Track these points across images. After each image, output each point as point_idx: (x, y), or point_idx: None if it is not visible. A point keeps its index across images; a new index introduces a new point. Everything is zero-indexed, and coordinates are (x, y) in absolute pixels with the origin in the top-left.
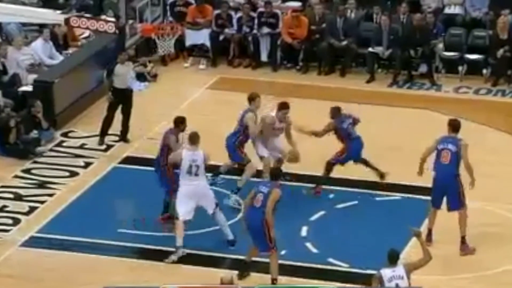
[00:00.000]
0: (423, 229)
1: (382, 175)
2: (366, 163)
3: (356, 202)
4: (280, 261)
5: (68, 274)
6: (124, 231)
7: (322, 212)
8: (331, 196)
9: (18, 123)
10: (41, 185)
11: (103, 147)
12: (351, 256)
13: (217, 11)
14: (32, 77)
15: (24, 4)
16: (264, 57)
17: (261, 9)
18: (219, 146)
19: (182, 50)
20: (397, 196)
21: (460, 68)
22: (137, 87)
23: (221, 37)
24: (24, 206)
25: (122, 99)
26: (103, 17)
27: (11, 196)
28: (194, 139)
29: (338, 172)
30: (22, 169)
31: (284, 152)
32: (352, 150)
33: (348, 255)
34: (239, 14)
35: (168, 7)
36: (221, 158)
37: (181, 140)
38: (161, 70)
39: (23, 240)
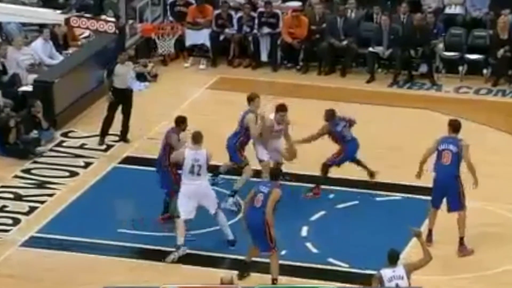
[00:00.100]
0: (423, 229)
1: (372, 174)
2: (358, 162)
3: (356, 202)
4: (280, 261)
5: (68, 274)
6: (124, 231)
7: (322, 212)
8: (331, 196)
9: (18, 123)
10: (41, 185)
11: (103, 147)
12: (351, 256)
13: (217, 11)
14: (32, 77)
15: (24, 4)
16: (264, 57)
17: (261, 9)
18: (219, 146)
19: (182, 50)
20: (397, 196)
21: (460, 68)
22: (137, 87)
23: (221, 37)
24: (24, 206)
25: (122, 99)
26: (103, 17)
27: (11, 196)
28: (197, 138)
29: (338, 172)
30: (22, 169)
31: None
32: (347, 152)
33: (348, 255)
34: (239, 14)
35: (168, 7)
36: (221, 158)
37: (183, 139)
38: (161, 70)
39: (23, 240)
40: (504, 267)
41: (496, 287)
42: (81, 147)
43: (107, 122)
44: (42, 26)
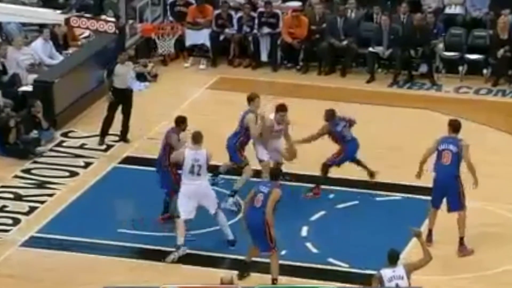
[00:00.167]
0: (424, 229)
1: (372, 174)
2: (358, 162)
3: (356, 202)
4: (280, 261)
5: (68, 274)
6: (124, 231)
7: (322, 212)
8: (332, 196)
9: (18, 123)
10: (41, 185)
11: (103, 147)
12: (351, 256)
13: (217, 11)
14: (32, 77)
15: (24, 4)
16: (264, 57)
17: (261, 9)
18: (219, 146)
19: (182, 50)
20: (398, 196)
21: (460, 68)
22: (137, 87)
23: (221, 37)
24: (24, 206)
25: (122, 99)
26: (103, 17)
27: (11, 196)
28: (197, 138)
29: (338, 172)
30: (22, 169)
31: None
32: (347, 152)
33: (348, 255)
34: (239, 14)
35: (168, 7)
36: (221, 158)
37: (183, 139)
38: (161, 70)
39: (23, 240)
40: (504, 267)
41: (496, 287)
42: (81, 147)
43: (107, 122)
44: (42, 26)
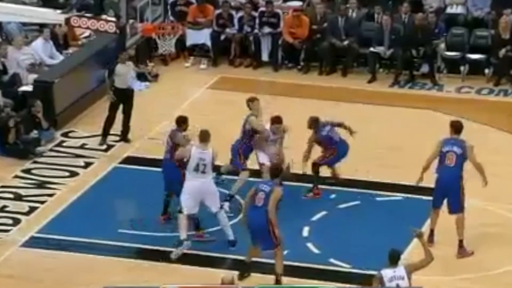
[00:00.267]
0: (425, 229)
1: (336, 176)
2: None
3: (357, 202)
4: None
5: (67, 274)
6: (124, 232)
7: (323, 213)
8: (333, 196)
9: (18, 123)
10: (41, 185)
11: (104, 147)
12: (353, 256)
13: (218, 11)
14: (32, 77)
15: (24, 3)
16: (265, 57)
17: (262, 9)
18: (219, 146)
19: (183, 49)
20: (399, 196)
21: (462, 68)
22: (138, 87)
23: (222, 37)
24: (24, 206)
25: (123, 99)
26: (103, 16)
27: (11, 196)
28: (204, 137)
29: (339, 172)
30: (22, 169)
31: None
32: (339, 152)
33: (349, 256)
34: (240, 13)
35: (169, 7)
36: (221, 158)
37: (188, 137)
38: (162, 70)
39: (23, 240)
40: (505, 267)
41: (497, 287)
42: (82, 147)
43: (109, 122)
44: (42, 25)
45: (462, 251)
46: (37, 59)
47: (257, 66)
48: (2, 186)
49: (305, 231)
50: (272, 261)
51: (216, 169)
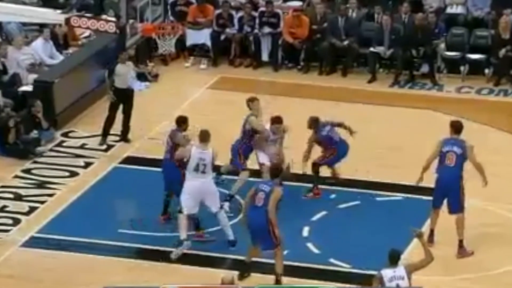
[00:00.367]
0: (425, 229)
1: (336, 176)
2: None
3: (357, 202)
4: None
5: (67, 274)
6: (125, 232)
7: (323, 212)
8: (333, 196)
9: (18, 123)
10: (41, 185)
11: (104, 147)
12: (353, 256)
13: (218, 11)
14: (32, 77)
15: (24, 3)
16: (265, 57)
17: (262, 9)
18: (219, 146)
19: (183, 49)
20: (399, 196)
21: (462, 68)
22: (138, 87)
23: (222, 37)
24: (24, 206)
25: (123, 98)
26: (103, 16)
27: (11, 196)
28: (204, 137)
29: (339, 172)
30: (22, 169)
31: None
32: (339, 152)
33: (349, 256)
34: (240, 13)
35: (169, 7)
36: (222, 158)
37: (188, 137)
38: (162, 70)
39: (23, 240)
40: (505, 267)
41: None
42: (82, 147)
43: (109, 122)
44: (42, 25)
45: (462, 251)
46: (37, 59)
47: (257, 66)
48: (2, 186)
49: (305, 231)
50: (272, 261)
51: (216, 169)
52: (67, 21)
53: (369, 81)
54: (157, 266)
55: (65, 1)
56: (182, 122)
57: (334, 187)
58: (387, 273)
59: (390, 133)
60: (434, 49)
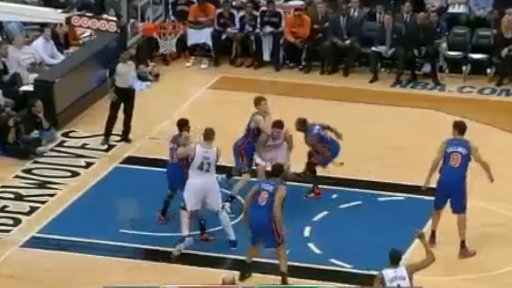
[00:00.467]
0: (427, 230)
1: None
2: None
3: (359, 202)
4: None
5: (67, 274)
6: (126, 232)
7: (325, 213)
8: (334, 196)
9: (18, 123)
10: (42, 185)
11: (105, 147)
12: (354, 256)
13: (219, 10)
14: (33, 76)
15: (25, 3)
16: (266, 56)
17: (263, 8)
18: (220, 146)
19: (184, 49)
20: (400, 196)
21: (464, 67)
22: (139, 86)
23: (223, 36)
24: (25, 206)
25: (124, 98)
26: (104, 16)
27: (11, 196)
28: (209, 135)
29: (340, 172)
30: (23, 169)
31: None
32: (331, 152)
33: (350, 256)
34: (242, 13)
35: (170, 6)
36: (223, 158)
37: (189, 137)
38: (162, 69)
39: (24, 241)
40: (507, 268)
41: None
42: (82, 147)
43: (111, 122)
44: (43, 25)
45: (464, 251)
46: (37, 58)
47: (258, 65)
48: (3, 186)
49: (307, 231)
50: (272, 261)
51: (223, 171)
52: (68, 20)
53: (371, 81)
54: (157, 266)
55: (66, 0)
56: (183, 125)
57: (335, 187)
58: (388, 273)
59: (392, 133)
60: (436, 48)
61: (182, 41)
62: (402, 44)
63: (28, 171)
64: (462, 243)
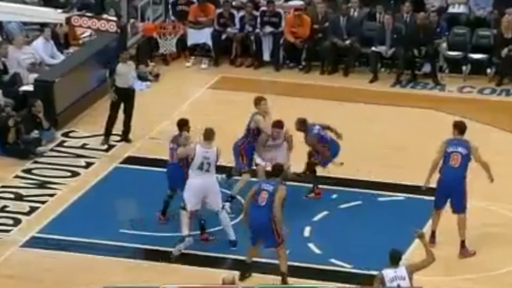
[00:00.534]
0: (427, 230)
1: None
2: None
3: (359, 202)
4: None
5: (67, 274)
6: (126, 232)
7: (325, 213)
8: (334, 196)
9: (18, 123)
10: (42, 185)
11: (105, 147)
12: (354, 256)
13: (219, 10)
14: (33, 76)
15: (25, 3)
16: (266, 56)
17: (263, 8)
18: (220, 146)
19: (184, 49)
20: (400, 196)
21: (464, 67)
22: (139, 86)
23: (223, 36)
24: (25, 206)
25: (124, 98)
26: (104, 16)
27: (11, 196)
28: (209, 135)
29: (340, 172)
30: (23, 169)
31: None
32: (331, 152)
33: (350, 256)
34: (242, 13)
35: (170, 6)
36: (223, 158)
37: (189, 137)
38: (162, 69)
39: (24, 241)
40: (507, 268)
41: None
42: (82, 147)
43: (111, 122)
44: (43, 25)
45: (464, 251)
46: (37, 58)
47: (258, 65)
48: (3, 186)
49: (307, 231)
50: (272, 261)
51: (224, 171)
52: (68, 20)
53: (371, 81)
54: (157, 266)
55: (66, 0)
56: (183, 125)
57: (335, 187)
58: (388, 273)
59: (392, 133)
60: (436, 48)
61: (182, 41)
62: (402, 44)
63: (28, 171)
64: (462, 243)
